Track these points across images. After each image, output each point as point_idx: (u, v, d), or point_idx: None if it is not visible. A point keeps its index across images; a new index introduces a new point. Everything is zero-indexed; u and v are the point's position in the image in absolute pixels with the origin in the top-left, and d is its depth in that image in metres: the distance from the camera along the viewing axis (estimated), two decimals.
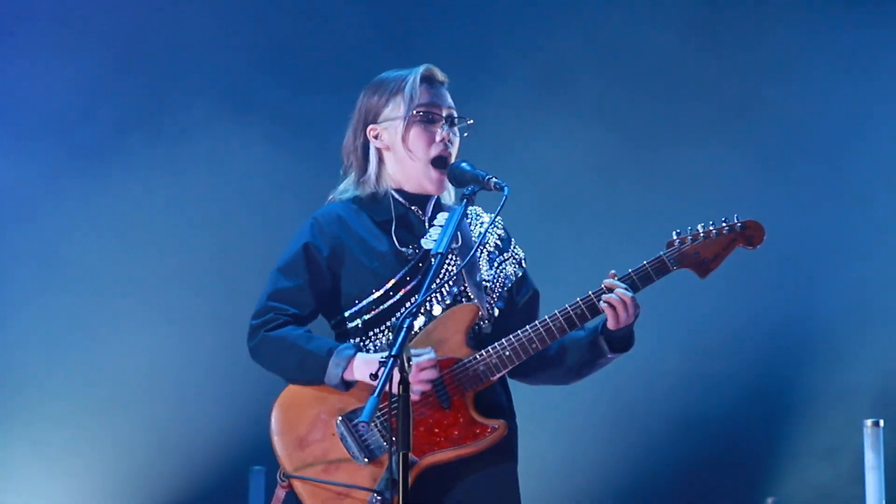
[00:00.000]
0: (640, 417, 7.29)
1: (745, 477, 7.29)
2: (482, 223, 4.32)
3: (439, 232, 4.13)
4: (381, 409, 4.03)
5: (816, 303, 7.34)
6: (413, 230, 4.20)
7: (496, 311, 4.22)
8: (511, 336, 4.09)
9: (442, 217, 4.23)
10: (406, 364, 3.58)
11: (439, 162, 4.21)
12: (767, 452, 7.28)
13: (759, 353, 7.31)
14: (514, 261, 4.33)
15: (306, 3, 7.35)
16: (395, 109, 4.22)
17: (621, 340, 4.18)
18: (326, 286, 4.19)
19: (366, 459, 4.03)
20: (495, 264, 4.28)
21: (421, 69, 4.24)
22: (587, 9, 7.47)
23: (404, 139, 4.21)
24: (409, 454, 3.56)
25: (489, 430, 4.07)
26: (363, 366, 4.01)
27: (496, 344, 4.08)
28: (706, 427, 7.30)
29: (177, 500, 6.96)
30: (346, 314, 4.17)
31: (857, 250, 7.34)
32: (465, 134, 4.26)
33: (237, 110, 7.17)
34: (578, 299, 4.10)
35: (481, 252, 4.26)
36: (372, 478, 4.01)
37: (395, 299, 4.13)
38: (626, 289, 4.08)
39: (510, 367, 4.11)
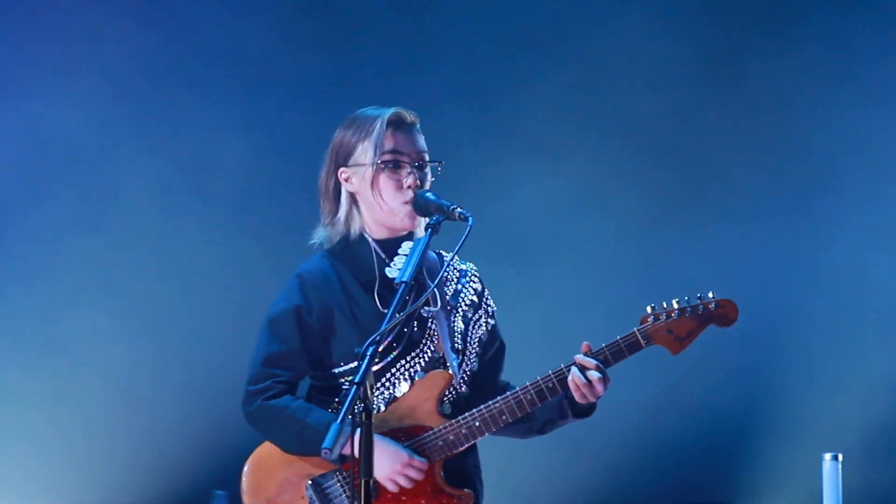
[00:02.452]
0: (597, 443, 7.27)
1: None
2: (461, 278, 4.34)
3: (403, 261, 4.13)
4: (344, 473, 4.05)
5: (778, 333, 7.36)
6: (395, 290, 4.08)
7: (470, 372, 4.25)
8: (482, 406, 4.11)
9: (406, 246, 4.23)
10: (369, 391, 3.58)
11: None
12: (725, 485, 7.30)
13: (718, 385, 7.33)
14: (485, 315, 4.34)
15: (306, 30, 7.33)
16: (363, 155, 4.19)
17: (584, 410, 4.21)
18: (317, 348, 4.19)
19: None
20: (470, 325, 4.28)
21: (388, 114, 4.20)
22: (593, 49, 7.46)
23: (373, 186, 4.19)
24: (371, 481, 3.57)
25: (455, 501, 4.10)
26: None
27: (466, 414, 4.11)
28: (660, 460, 7.31)
29: None
30: (333, 371, 4.18)
31: (819, 282, 7.37)
32: (438, 173, 4.24)
33: (240, 112, 7.17)
34: (550, 372, 4.12)
35: (457, 313, 4.27)
36: None
37: (383, 364, 4.14)
38: (597, 367, 4.09)
39: (479, 438, 4.13)
